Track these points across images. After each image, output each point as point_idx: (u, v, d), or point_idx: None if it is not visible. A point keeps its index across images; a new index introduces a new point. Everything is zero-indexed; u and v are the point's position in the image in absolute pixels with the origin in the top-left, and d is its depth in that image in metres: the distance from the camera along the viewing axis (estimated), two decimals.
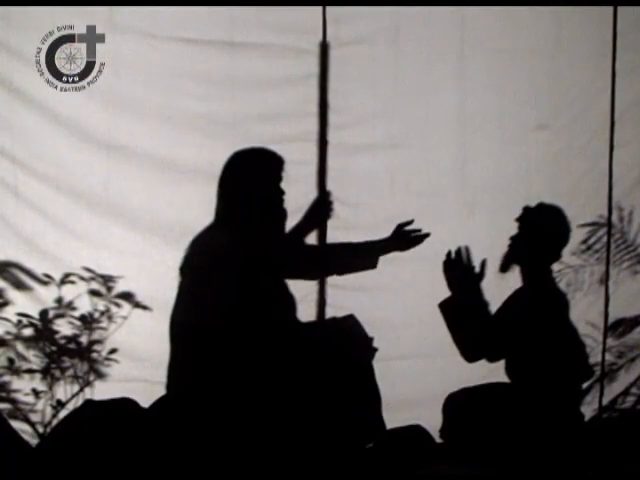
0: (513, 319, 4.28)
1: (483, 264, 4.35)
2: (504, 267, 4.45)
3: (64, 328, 4.38)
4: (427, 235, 4.49)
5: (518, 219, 4.41)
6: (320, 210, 4.53)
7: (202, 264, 4.20)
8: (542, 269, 4.38)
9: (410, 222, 4.50)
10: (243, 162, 4.32)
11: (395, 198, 4.64)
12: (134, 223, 4.44)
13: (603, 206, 4.76)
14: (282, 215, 4.36)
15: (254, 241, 4.21)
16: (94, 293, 4.40)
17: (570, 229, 4.43)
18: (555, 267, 4.62)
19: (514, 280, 4.46)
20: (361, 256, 4.49)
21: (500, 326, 4.30)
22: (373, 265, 4.49)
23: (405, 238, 4.50)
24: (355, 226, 4.59)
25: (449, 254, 4.40)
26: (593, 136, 4.76)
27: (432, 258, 4.61)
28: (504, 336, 4.26)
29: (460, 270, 4.38)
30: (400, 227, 4.51)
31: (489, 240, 4.51)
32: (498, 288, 4.46)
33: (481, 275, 4.36)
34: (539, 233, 4.37)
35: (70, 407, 4.33)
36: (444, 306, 4.36)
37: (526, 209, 4.41)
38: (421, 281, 4.62)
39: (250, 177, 4.28)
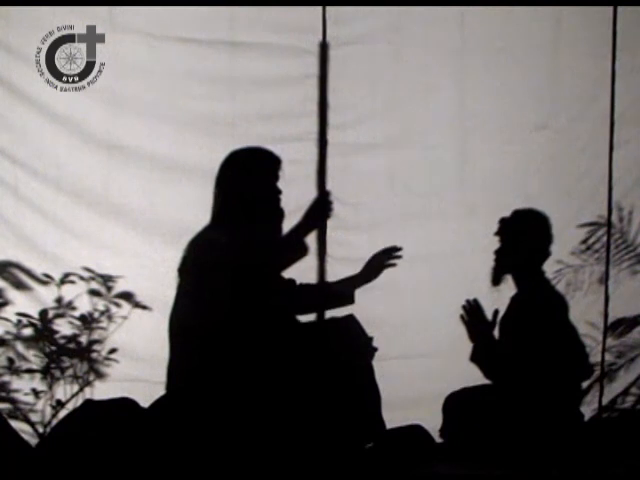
0: (515, 326, 4.28)
1: (495, 314, 4.34)
2: (496, 280, 4.45)
3: (64, 328, 4.37)
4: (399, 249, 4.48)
5: (497, 233, 4.40)
6: (320, 210, 4.52)
7: (200, 265, 4.19)
8: (534, 272, 4.38)
9: (394, 249, 4.49)
10: (239, 162, 4.31)
11: (395, 198, 4.64)
12: (134, 223, 4.43)
13: (603, 206, 4.76)
14: (279, 215, 4.35)
15: (251, 241, 4.21)
16: (94, 293, 4.39)
17: (549, 225, 4.41)
18: (554, 267, 4.64)
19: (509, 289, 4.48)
20: (336, 294, 4.48)
21: (507, 340, 4.32)
22: (351, 300, 4.47)
23: (378, 265, 4.48)
24: (355, 226, 4.59)
25: (467, 307, 4.39)
26: (593, 136, 4.77)
27: (432, 258, 4.62)
28: (512, 344, 4.26)
29: (477, 320, 4.36)
30: (375, 257, 4.49)
31: (489, 240, 4.50)
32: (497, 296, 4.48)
33: (494, 323, 4.34)
34: (520, 240, 4.37)
35: (70, 407, 4.33)
36: (474, 358, 4.35)
37: (502, 221, 4.41)
38: (421, 281, 4.62)
39: (246, 177, 4.28)
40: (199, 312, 4.15)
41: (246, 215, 4.24)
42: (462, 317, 4.35)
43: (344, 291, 4.46)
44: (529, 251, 4.38)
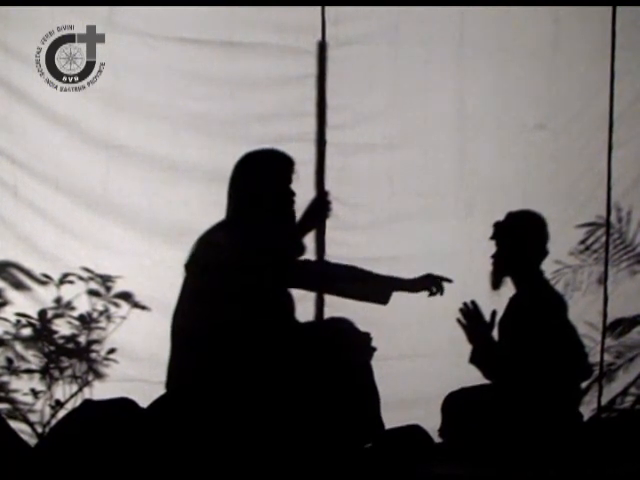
0: (514, 327, 4.29)
1: (493, 315, 4.35)
2: (495, 284, 4.46)
3: (63, 328, 4.37)
4: (450, 281, 4.44)
5: (492, 237, 4.41)
6: (319, 210, 4.53)
7: (208, 263, 4.19)
8: (532, 273, 4.38)
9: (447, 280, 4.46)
10: (254, 162, 4.31)
11: (394, 198, 4.65)
12: (133, 223, 4.44)
13: (602, 206, 4.76)
14: (292, 216, 4.36)
15: (263, 242, 4.21)
16: (93, 293, 4.39)
17: (544, 224, 4.41)
18: (553, 267, 4.64)
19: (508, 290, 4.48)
20: (374, 285, 4.43)
21: (506, 341, 4.32)
22: (384, 300, 4.44)
23: (431, 284, 4.44)
24: (354, 226, 4.60)
25: (464, 310, 4.38)
26: (591, 136, 4.77)
27: (431, 258, 4.62)
28: (512, 345, 4.27)
29: (476, 322, 4.37)
30: (430, 276, 4.45)
31: (488, 240, 4.49)
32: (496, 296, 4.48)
33: (492, 325, 4.35)
34: (516, 241, 4.37)
35: (69, 407, 4.33)
36: (473, 360, 4.36)
37: (496, 224, 4.41)
38: None
39: (261, 178, 4.28)
40: (202, 312, 4.15)
41: (259, 216, 4.24)
42: (459, 320, 4.35)
43: (384, 288, 4.43)
44: (526, 252, 4.38)
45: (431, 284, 4.43)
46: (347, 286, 4.44)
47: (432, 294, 4.44)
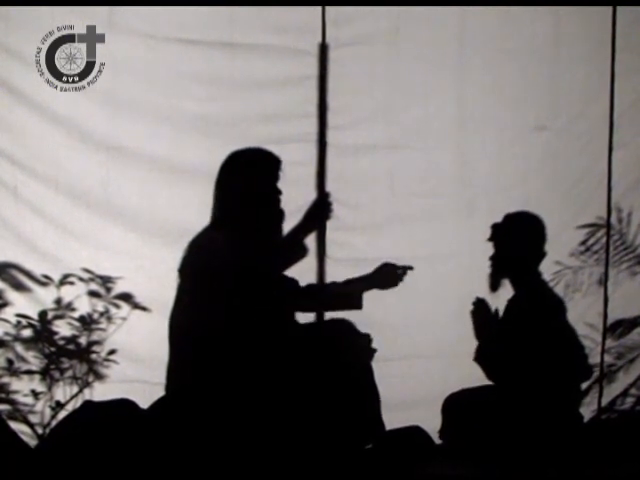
0: (513, 329, 4.29)
1: (495, 314, 4.36)
2: (494, 286, 4.46)
3: (63, 329, 4.36)
4: (410, 268, 4.42)
5: (490, 239, 4.42)
6: (319, 211, 4.53)
7: (201, 265, 4.19)
8: (530, 274, 4.39)
9: (406, 267, 4.44)
10: (238, 163, 4.30)
11: (394, 199, 4.64)
12: (133, 224, 4.43)
13: (602, 207, 4.77)
14: (280, 215, 4.35)
15: (251, 242, 4.21)
16: (93, 294, 4.39)
17: (542, 225, 4.42)
18: (553, 268, 4.64)
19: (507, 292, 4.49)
20: (343, 295, 4.43)
21: (506, 340, 4.33)
22: (359, 305, 4.41)
23: (388, 277, 4.44)
24: (354, 227, 4.59)
25: (476, 305, 4.41)
26: (592, 137, 4.77)
27: (431, 259, 4.63)
28: (511, 347, 4.27)
29: (484, 318, 4.38)
30: (386, 265, 4.44)
31: (488, 241, 4.50)
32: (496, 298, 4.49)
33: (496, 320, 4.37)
34: (513, 243, 4.38)
35: (69, 408, 4.33)
36: (477, 359, 4.37)
37: (494, 226, 4.42)
38: (421, 282, 4.61)
39: (246, 177, 4.26)
40: (199, 314, 4.14)
41: (246, 216, 4.23)
42: (471, 311, 4.37)
43: (351, 293, 4.42)
44: (524, 253, 4.38)
45: (391, 273, 4.42)
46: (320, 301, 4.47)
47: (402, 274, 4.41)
